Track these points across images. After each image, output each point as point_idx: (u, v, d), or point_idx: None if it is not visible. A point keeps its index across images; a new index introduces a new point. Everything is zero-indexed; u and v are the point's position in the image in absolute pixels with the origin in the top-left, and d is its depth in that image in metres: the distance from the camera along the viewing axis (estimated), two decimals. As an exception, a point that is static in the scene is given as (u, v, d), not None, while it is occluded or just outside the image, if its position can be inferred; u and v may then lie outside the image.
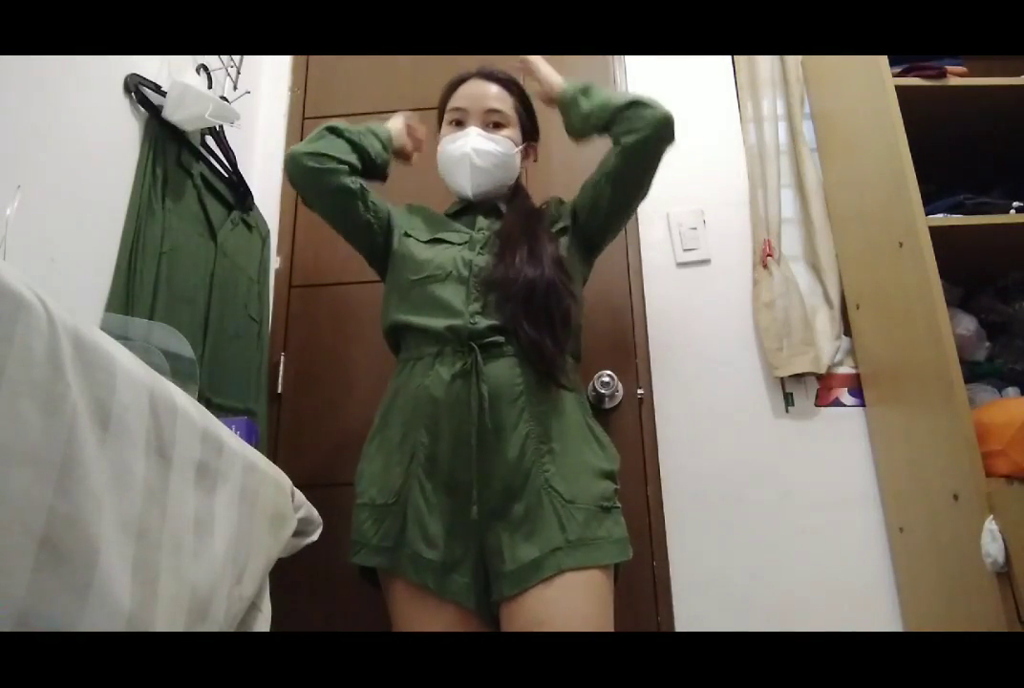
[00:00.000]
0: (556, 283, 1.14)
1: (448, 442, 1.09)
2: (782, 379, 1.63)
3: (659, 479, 1.56)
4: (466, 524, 1.06)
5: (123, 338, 1.01)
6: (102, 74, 1.20)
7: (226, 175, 1.56)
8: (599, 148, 1.26)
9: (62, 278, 1.06)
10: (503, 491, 1.07)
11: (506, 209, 1.32)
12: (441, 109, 1.36)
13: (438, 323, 1.14)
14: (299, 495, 1.04)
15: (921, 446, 1.35)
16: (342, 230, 1.30)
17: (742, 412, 1.62)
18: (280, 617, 0.97)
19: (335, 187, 1.21)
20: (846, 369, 1.65)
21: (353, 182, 1.22)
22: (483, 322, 1.13)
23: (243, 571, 0.81)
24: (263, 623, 0.92)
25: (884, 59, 1.45)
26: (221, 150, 1.54)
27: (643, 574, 1.48)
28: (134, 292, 1.18)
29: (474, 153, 1.25)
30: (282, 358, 1.72)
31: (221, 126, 1.52)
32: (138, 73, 1.27)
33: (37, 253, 1.02)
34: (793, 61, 1.84)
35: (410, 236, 1.28)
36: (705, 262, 1.74)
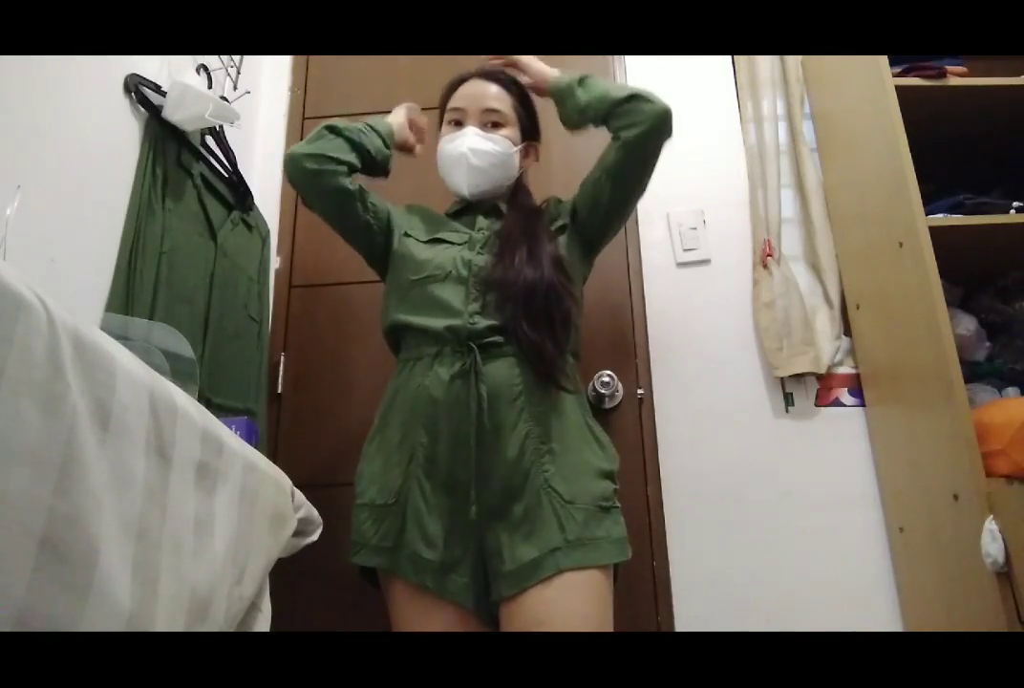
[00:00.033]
0: (556, 285, 1.14)
1: (447, 442, 1.09)
2: (782, 379, 1.63)
3: (659, 479, 1.56)
4: (465, 524, 1.06)
5: (123, 338, 1.01)
6: (102, 74, 1.20)
7: (226, 175, 1.56)
8: (598, 148, 1.26)
9: (62, 278, 1.06)
10: (502, 491, 1.07)
11: (507, 209, 1.32)
12: (441, 109, 1.36)
13: (437, 323, 1.14)
14: (299, 495, 1.04)
15: (921, 446, 1.35)
16: (341, 230, 1.30)
17: (742, 412, 1.62)
18: (280, 617, 0.97)
19: (333, 188, 1.21)
20: (846, 369, 1.65)
21: (352, 183, 1.22)
22: (482, 322, 1.13)
23: (243, 571, 0.81)
24: (263, 623, 0.92)
25: (884, 59, 1.45)
26: (221, 150, 1.54)
27: (643, 574, 1.48)
28: (134, 292, 1.18)
29: (471, 153, 1.25)
30: (282, 358, 1.72)
31: (221, 126, 1.52)
32: (138, 73, 1.27)
33: (37, 253, 1.02)
34: (793, 61, 1.84)
35: (410, 236, 1.28)
36: (705, 262, 1.73)
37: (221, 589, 0.74)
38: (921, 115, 1.40)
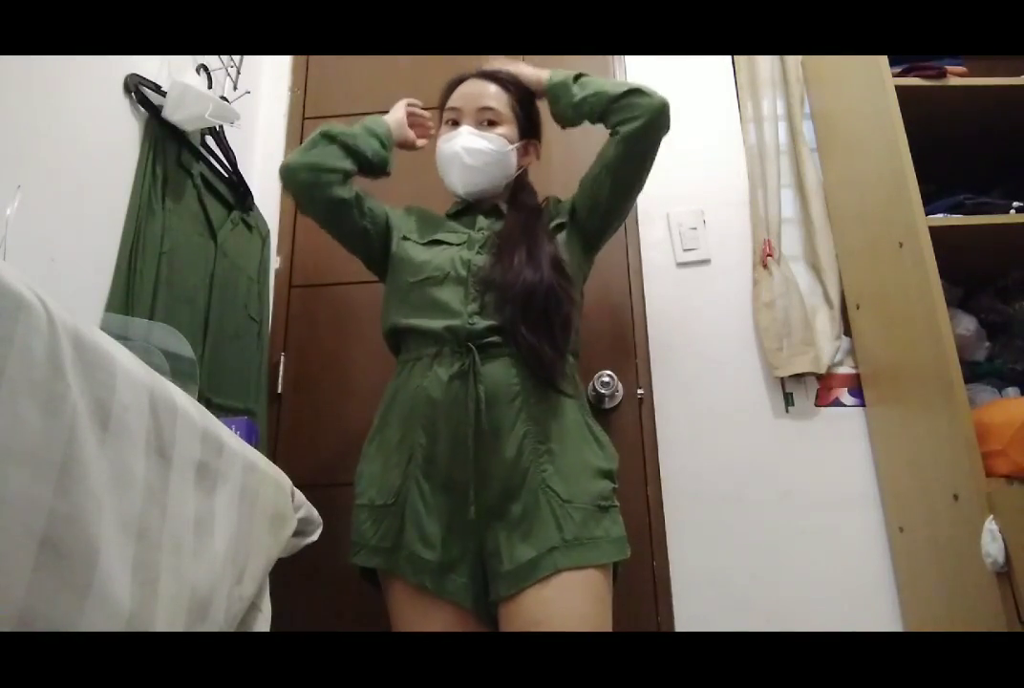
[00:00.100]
0: (555, 287, 1.13)
1: (446, 443, 1.09)
2: (782, 379, 1.63)
3: (659, 479, 1.56)
4: (464, 524, 1.06)
5: (123, 338, 1.01)
6: (102, 74, 1.20)
7: (226, 175, 1.56)
8: (597, 147, 1.26)
9: (62, 278, 1.06)
10: (501, 491, 1.07)
11: (507, 208, 1.31)
12: (441, 110, 1.36)
13: (437, 324, 1.14)
14: (299, 495, 1.04)
15: (921, 446, 1.35)
16: (338, 237, 1.30)
17: (742, 412, 1.62)
18: (280, 617, 0.97)
19: (328, 199, 1.21)
20: (846, 369, 1.65)
21: (348, 191, 1.22)
22: (481, 323, 1.13)
23: (243, 571, 0.81)
24: (263, 623, 0.92)
25: (884, 59, 1.45)
26: (221, 150, 1.55)
27: (643, 574, 1.48)
28: (134, 292, 1.18)
29: (464, 152, 1.25)
30: (282, 358, 1.72)
31: (221, 126, 1.52)
32: (138, 73, 1.27)
33: (37, 253, 1.02)
34: (793, 61, 1.84)
35: (408, 239, 1.28)
36: (705, 262, 1.74)
37: (221, 589, 0.74)
38: (921, 115, 1.40)
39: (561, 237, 1.25)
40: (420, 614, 1.06)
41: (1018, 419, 1.17)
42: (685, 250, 1.74)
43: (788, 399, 1.63)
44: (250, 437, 1.21)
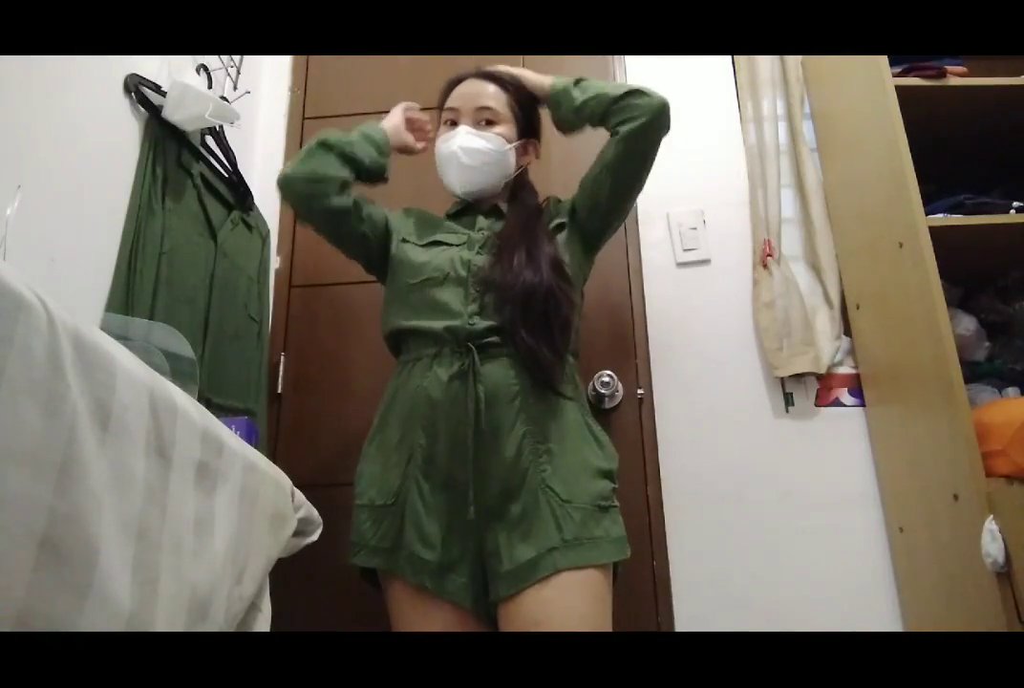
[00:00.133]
0: (555, 289, 1.13)
1: (445, 443, 1.09)
2: (782, 379, 1.63)
3: (659, 479, 1.56)
4: (463, 524, 1.06)
5: (123, 338, 1.01)
6: (102, 74, 1.20)
7: (226, 175, 1.56)
8: (597, 147, 1.26)
9: (62, 278, 1.06)
10: (500, 491, 1.07)
11: (507, 208, 1.31)
12: (440, 110, 1.36)
13: (437, 324, 1.14)
14: (299, 495, 1.04)
15: (921, 446, 1.35)
16: (336, 244, 1.30)
17: (742, 412, 1.62)
18: (280, 617, 0.97)
19: (326, 208, 1.21)
20: (846, 369, 1.65)
21: (346, 200, 1.22)
22: (481, 323, 1.13)
23: (243, 571, 0.81)
24: (263, 623, 0.92)
25: (884, 59, 1.45)
26: (221, 150, 1.55)
27: (643, 574, 1.48)
28: (134, 292, 1.18)
29: (461, 151, 1.25)
30: (282, 358, 1.72)
31: (221, 126, 1.52)
32: (138, 73, 1.27)
33: (37, 253, 1.02)
34: (793, 61, 1.84)
35: (407, 241, 1.27)
36: (705, 262, 1.74)
37: (221, 589, 0.74)
38: (921, 115, 1.40)
39: (561, 237, 1.25)
40: (420, 614, 1.06)
41: (1018, 419, 1.17)
42: (685, 250, 1.74)
43: (788, 399, 1.63)
44: (250, 437, 1.21)
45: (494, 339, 1.13)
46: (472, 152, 1.25)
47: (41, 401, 0.46)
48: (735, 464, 1.58)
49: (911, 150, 1.35)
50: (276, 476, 0.96)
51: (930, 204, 1.38)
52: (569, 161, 1.64)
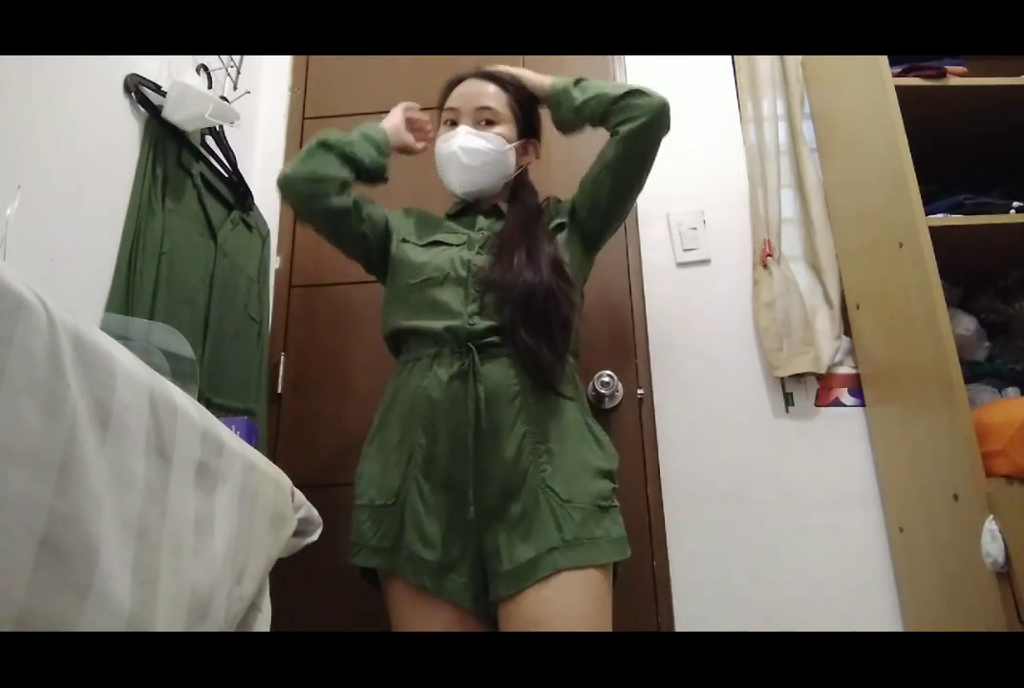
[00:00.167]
0: (554, 290, 1.13)
1: (445, 443, 1.09)
2: (782, 379, 1.63)
3: (659, 479, 1.56)
4: (463, 524, 1.06)
5: (123, 338, 1.01)
6: (102, 74, 1.20)
7: (226, 175, 1.56)
8: (597, 147, 1.26)
9: (62, 278, 1.06)
10: (500, 491, 1.07)
11: (508, 209, 1.31)
12: (440, 110, 1.36)
13: (437, 324, 1.14)
14: (299, 495, 1.04)
15: (921, 446, 1.35)
16: (336, 244, 1.30)
17: (742, 412, 1.62)
18: (280, 617, 0.97)
19: (326, 208, 1.21)
20: (846, 369, 1.65)
21: (346, 200, 1.22)
22: (481, 323, 1.13)
23: (243, 571, 0.81)
24: (263, 623, 0.92)
25: (884, 59, 1.45)
26: (221, 150, 1.55)
27: (643, 574, 1.48)
28: (134, 292, 1.18)
29: (461, 151, 1.25)
30: (282, 358, 1.72)
31: (221, 126, 1.52)
32: (138, 73, 1.27)
33: (37, 253, 1.02)
34: (793, 61, 1.84)
35: (407, 241, 1.27)
36: (705, 262, 1.74)
37: (221, 589, 0.74)
38: (921, 115, 1.40)
39: (561, 237, 1.25)
40: (420, 614, 1.06)
41: (1018, 419, 1.17)
42: (685, 250, 1.74)
43: (788, 399, 1.63)
44: (250, 437, 1.21)
45: (494, 339, 1.12)
46: (472, 152, 1.25)
47: (41, 401, 0.46)
48: (735, 464, 1.58)
49: (911, 150, 1.35)
50: (276, 476, 0.96)
51: (930, 204, 1.38)
52: (569, 161, 1.64)
